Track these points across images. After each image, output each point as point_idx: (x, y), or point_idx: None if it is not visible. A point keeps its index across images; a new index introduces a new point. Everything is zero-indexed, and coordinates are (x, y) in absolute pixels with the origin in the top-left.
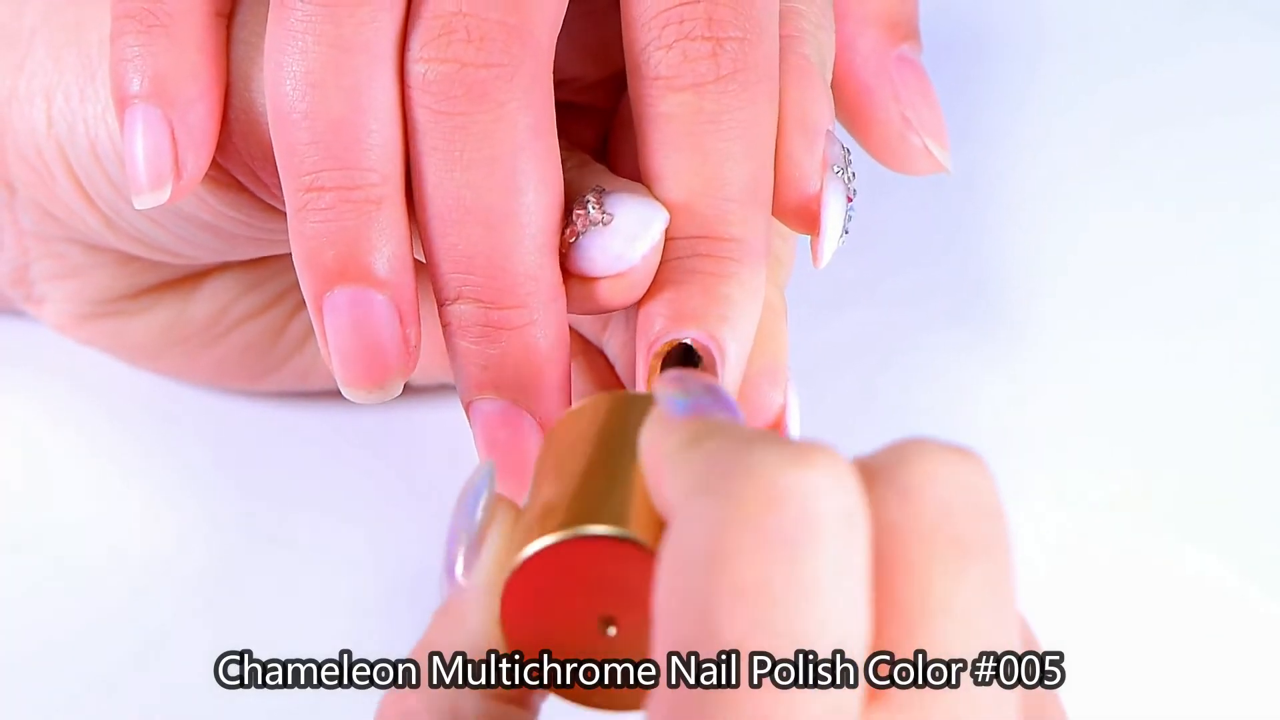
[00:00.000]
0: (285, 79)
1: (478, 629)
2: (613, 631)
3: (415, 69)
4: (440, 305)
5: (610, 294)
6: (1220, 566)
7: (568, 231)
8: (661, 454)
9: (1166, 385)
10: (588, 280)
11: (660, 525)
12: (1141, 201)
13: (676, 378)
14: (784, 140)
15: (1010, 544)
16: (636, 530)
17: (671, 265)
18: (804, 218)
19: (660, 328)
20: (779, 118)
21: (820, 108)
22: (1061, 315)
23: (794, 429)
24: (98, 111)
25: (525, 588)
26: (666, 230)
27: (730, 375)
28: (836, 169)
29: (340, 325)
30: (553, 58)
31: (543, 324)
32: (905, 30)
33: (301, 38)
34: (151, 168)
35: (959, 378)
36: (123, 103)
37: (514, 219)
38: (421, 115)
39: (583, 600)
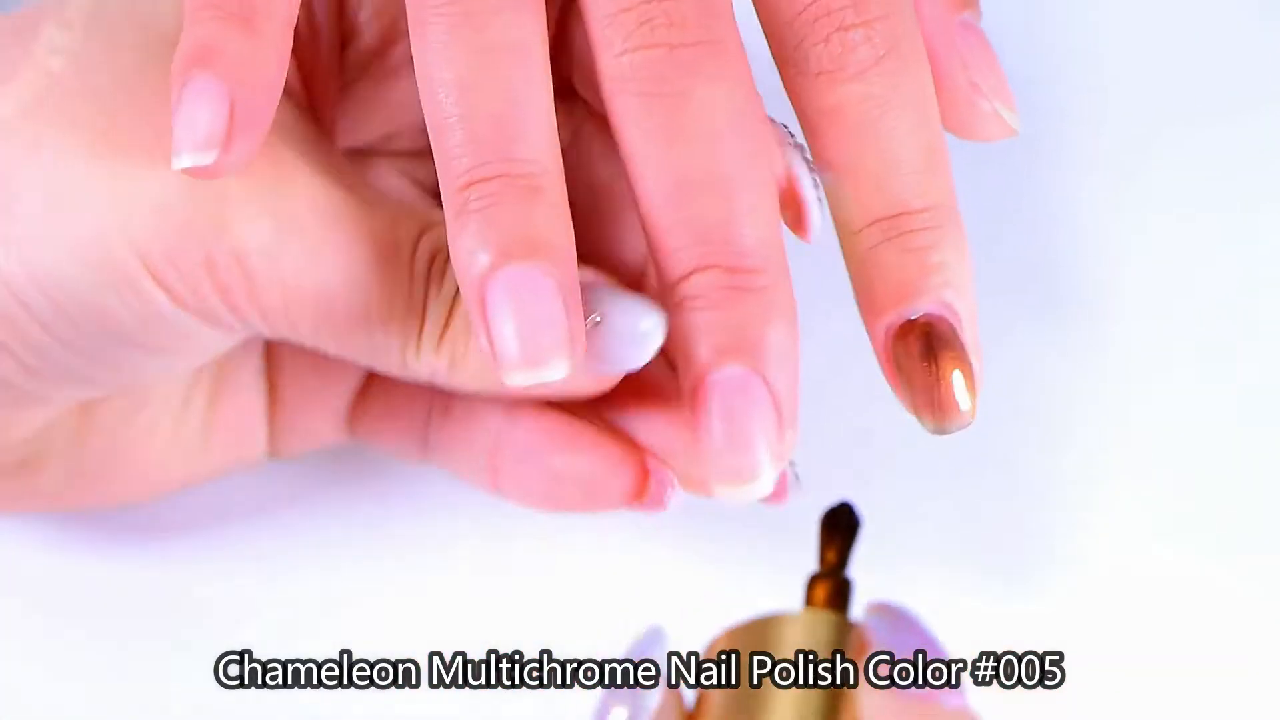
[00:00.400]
0: (438, 89)
1: None
2: None
3: (620, 62)
4: (674, 283)
5: (580, 388)
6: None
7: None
8: None
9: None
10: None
11: None
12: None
13: (889, 613)
14: None
15: None
16: None
17: (879, 249)
18: (788, 204)
19: (889, 311)
20: None
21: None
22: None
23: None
24: (7, 253)
25: None
26: (869, 213)
27: (969, 333)
28: (790, 144)
29: (501, 304)
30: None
31: (781, 288)
32: None
33: (450, 46)
34: (203, 131)
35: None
36: (186, 71)
37: (747, 186)
38: (632, 103)
39: None
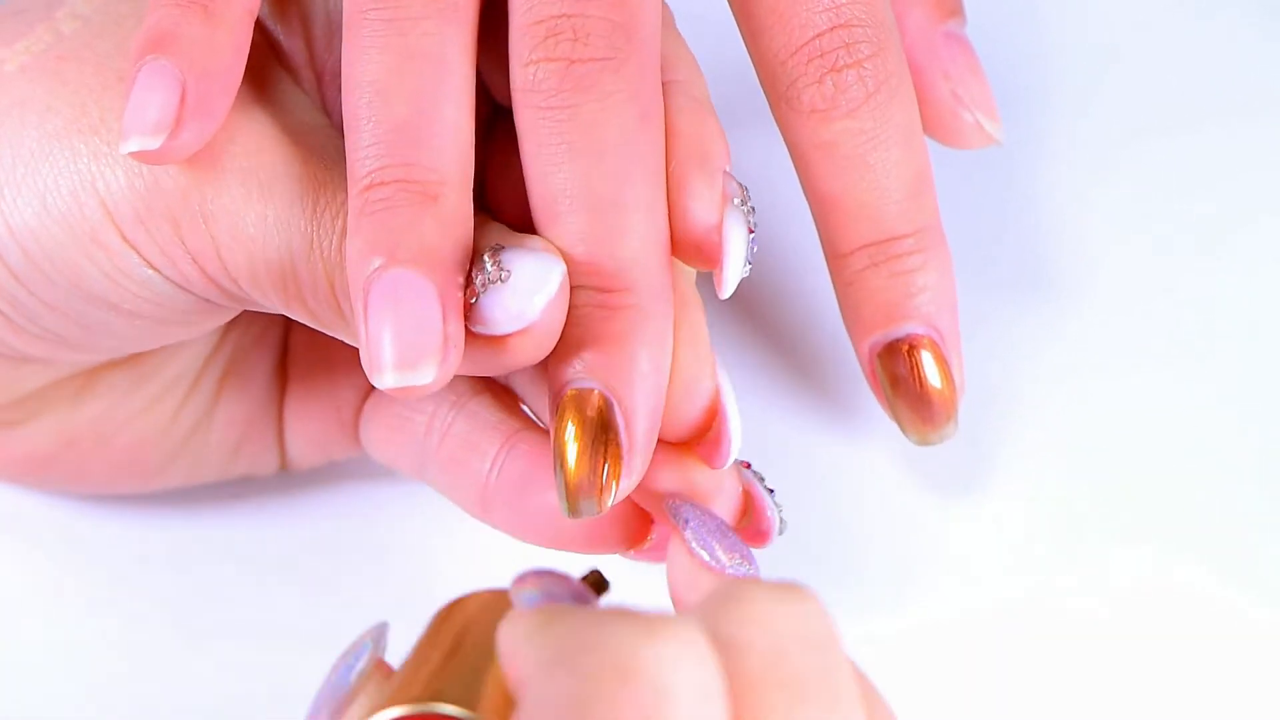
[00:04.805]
0: (354, 88)
1: None
2: None
3: (524, 73)
4: None
5: (517, 351)
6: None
7: (468, 292)
8: (514, 640)
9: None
10: (493, 340)
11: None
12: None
13: (535, 574)
14: (682, 178)
15: (847, 669)
16: (483, 714)
17: (866, 273)
18: (702, 251)
19: (876, 331)
20: (673, 156)
21: (717, 145)
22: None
23: (731, 411)
24: None
25: None
26: (858, 238)
27: (951, 351)
28: (736, 200)
29: (378, 305)
30: (659, 53)
31: (651, 310)
32: (950, 6)
33: (370, 50)
34: (153, 116)
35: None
36: (141, 55)
37: (626, 205)
38: (529, 116)
39: None
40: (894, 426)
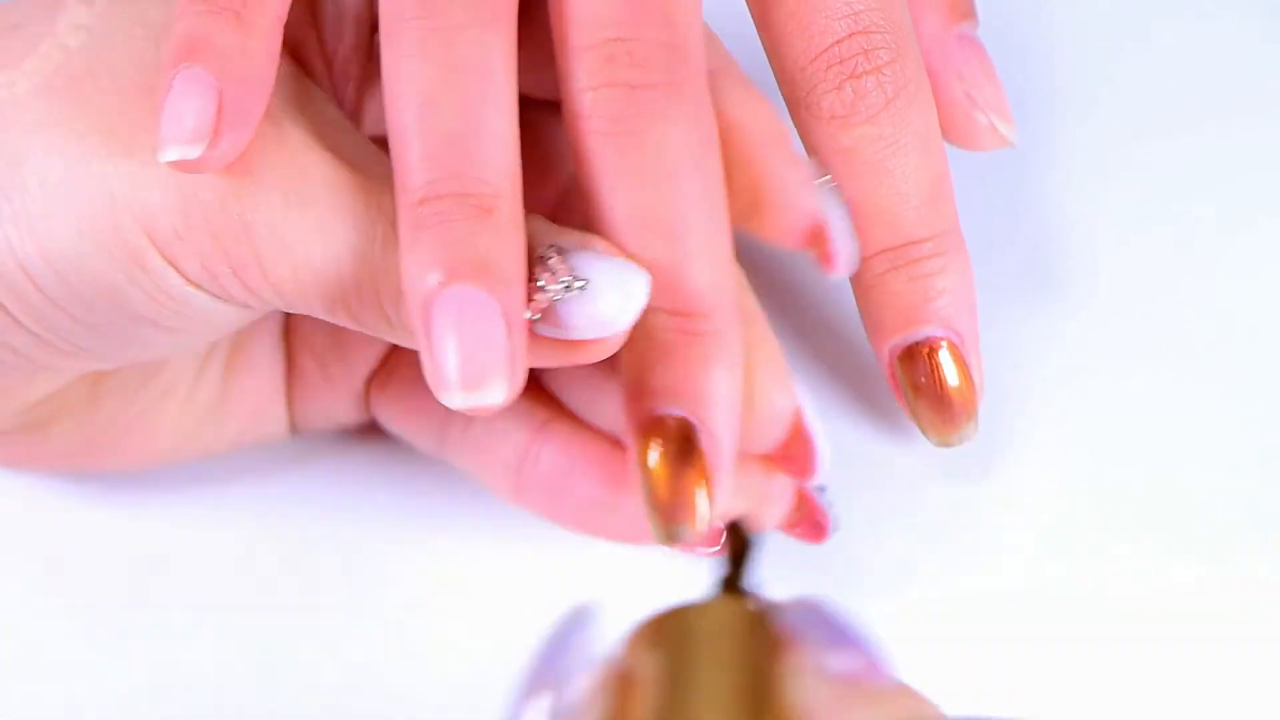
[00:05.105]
0: (400, 102)
1: None
2: None
3: (584, 98)
4: None
5: (588, 355)
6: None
7: (533, 296)
8: None
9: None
10: (563, 344)
11: None
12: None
13: (813, 610)
14: (773, 167)
15: None
16: None
17: (886, 277)
18: (813, 237)
19: (896, 334)
20: (751, 145)
21: (779, 123)
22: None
23: (814, 426)
24: (18, 230)
25: None
26: (877, 243)
27: (970, 353)
28: (818, 180)
29: (441, 324)
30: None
31: (727, 333)
32: (963, 9)
33: (414, 59)
34: (190, 124)
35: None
36: (175, 63)
37: (698, 228)
38: (594, 142)
39: None
40: (907, 427)
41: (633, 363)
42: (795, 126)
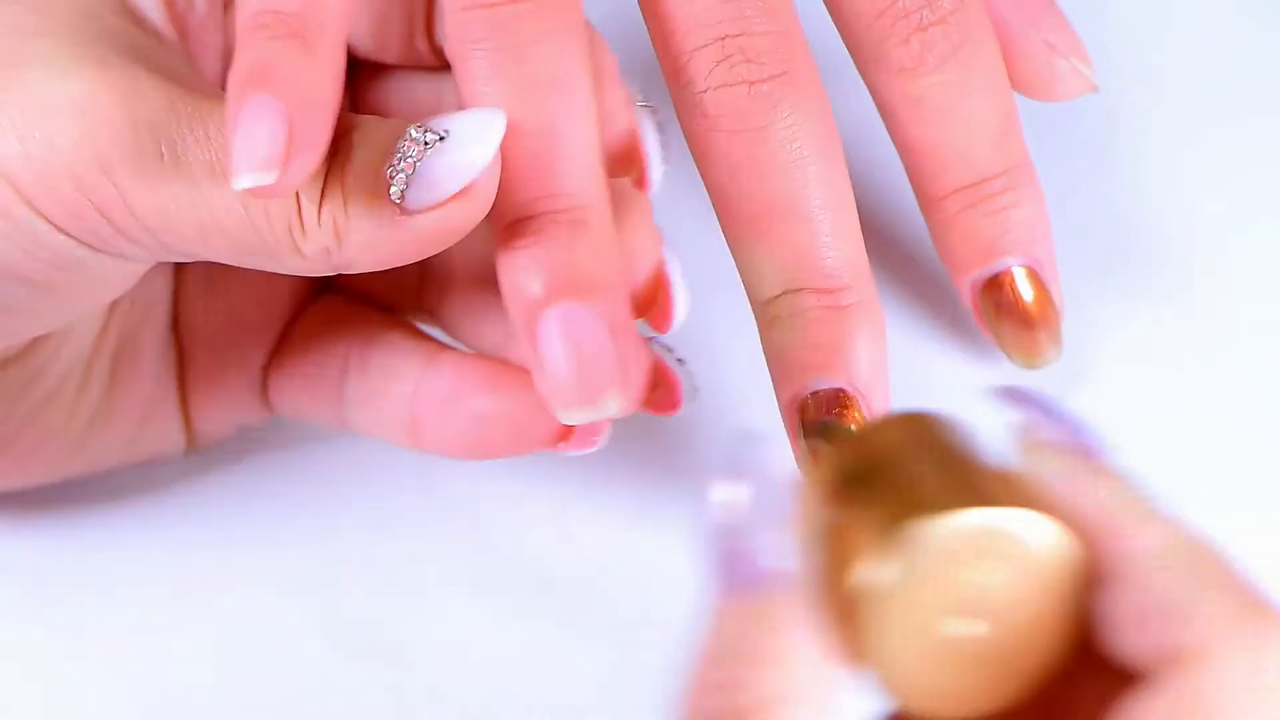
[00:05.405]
0: None
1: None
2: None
3: (705, 99)
4: (764, 303)
5: (464, 213)
6: None
7: (396, 168)
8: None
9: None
10: (428, 210)
11: None
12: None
13: (1023, 394)
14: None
15: None
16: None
17: (962, 215)
18: (627, 158)
19: (976, 268)
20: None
21: (610, 56)
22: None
23: (676, 278)
24: None
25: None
26: (953, 182)
27: (1049, 277)
28: (638, 103)
29: (548, 342)
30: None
31: (868, 302)
32: None
33: (491, 81)
34: (263, 151)
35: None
36: (243, 91)
37: (830, 209)
38: (720, 139)
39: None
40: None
41: (777, 341)
42: (865, 81)
